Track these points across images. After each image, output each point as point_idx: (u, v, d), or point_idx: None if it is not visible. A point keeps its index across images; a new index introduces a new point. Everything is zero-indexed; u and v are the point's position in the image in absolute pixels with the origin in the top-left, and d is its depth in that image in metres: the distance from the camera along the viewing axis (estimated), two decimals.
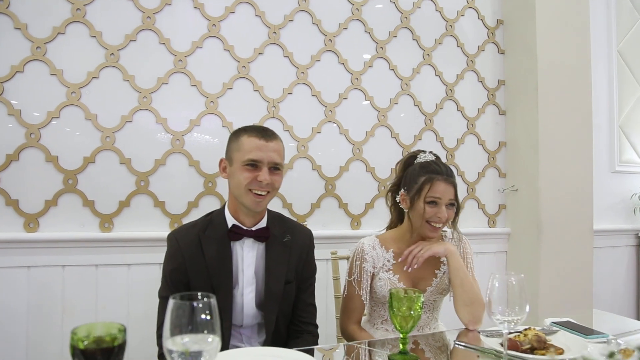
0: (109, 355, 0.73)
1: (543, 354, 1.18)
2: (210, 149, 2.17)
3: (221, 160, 1.50)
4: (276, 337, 1.48)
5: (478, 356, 1.28)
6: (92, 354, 0.73)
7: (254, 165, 1.40)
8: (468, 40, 2.72)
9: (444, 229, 1.68)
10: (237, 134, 1.46)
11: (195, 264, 1.41)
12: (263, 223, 1.50)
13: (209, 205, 2.15)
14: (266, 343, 1.46)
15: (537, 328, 1.30)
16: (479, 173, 2.73)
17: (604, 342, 1.29)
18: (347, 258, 1.76)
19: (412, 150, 2.04)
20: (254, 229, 1.47)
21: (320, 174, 2.37)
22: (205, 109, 2.17)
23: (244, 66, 2.24)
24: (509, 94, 2.78)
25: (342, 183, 2.41)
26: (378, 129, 2.49)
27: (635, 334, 1.46)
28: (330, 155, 2.40)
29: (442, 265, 1.64)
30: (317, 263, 1.63)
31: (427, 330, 1.63)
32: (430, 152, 1.66)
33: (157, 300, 1.46)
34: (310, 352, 1.21)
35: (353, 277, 1.62)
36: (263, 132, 1.44)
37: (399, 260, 1.61)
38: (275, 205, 2.23)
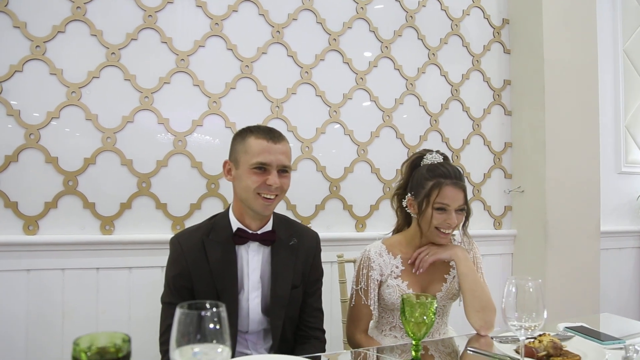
0: None
1: None
2: (213, 150, 2.13)
3: (225, 162, 1.45)
4: (283, 343, 1.44)
5: None
6: None
7: (262, 168, 1.36)
8: (473, 40, 2.69)
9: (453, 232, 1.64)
10: (242, 135, 1.41)
11: (199, 268, 1.37)
12: (269, 226, 1.46)
13: (211, 207, 2.11)
14: (273, 349, 1.42)
15: (552, 334, 1.27)
16: (484, 174, 2.70)
17: (621, 348, 1.26)
18: (353, 261, 1.72)
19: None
20: (259, 232, 1.43)
21: (325, 175, 2.33)
22: (208, 109, 2.14)
23: (247, 66, 2.20)
24: (515, 94, 2.75)
25: (346, 184, 2.38)
26: (383, 129, 2.46)
27: None
28: (335, 156, 2.36)
29: (451, 269, 1.60)
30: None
31: (437, 336, 1.59)
32: (438, 151, 1.60)
33: (159, 304, 1.42)
34: None
35: (360, 286, 1.56)
36: (270, 134, 1.39)
37: (409, 262, 1.57)
38: (279, 207, 2.16)
